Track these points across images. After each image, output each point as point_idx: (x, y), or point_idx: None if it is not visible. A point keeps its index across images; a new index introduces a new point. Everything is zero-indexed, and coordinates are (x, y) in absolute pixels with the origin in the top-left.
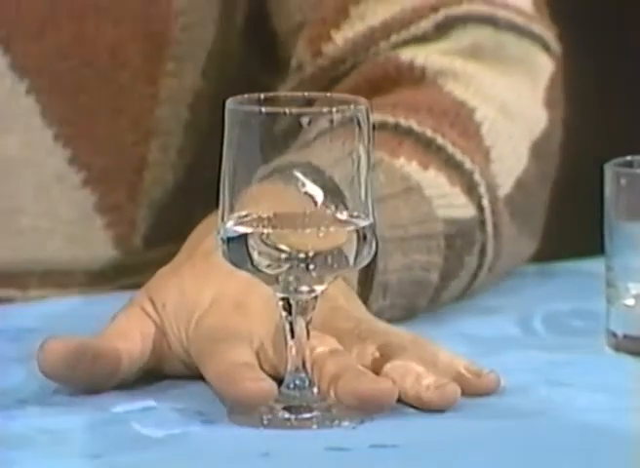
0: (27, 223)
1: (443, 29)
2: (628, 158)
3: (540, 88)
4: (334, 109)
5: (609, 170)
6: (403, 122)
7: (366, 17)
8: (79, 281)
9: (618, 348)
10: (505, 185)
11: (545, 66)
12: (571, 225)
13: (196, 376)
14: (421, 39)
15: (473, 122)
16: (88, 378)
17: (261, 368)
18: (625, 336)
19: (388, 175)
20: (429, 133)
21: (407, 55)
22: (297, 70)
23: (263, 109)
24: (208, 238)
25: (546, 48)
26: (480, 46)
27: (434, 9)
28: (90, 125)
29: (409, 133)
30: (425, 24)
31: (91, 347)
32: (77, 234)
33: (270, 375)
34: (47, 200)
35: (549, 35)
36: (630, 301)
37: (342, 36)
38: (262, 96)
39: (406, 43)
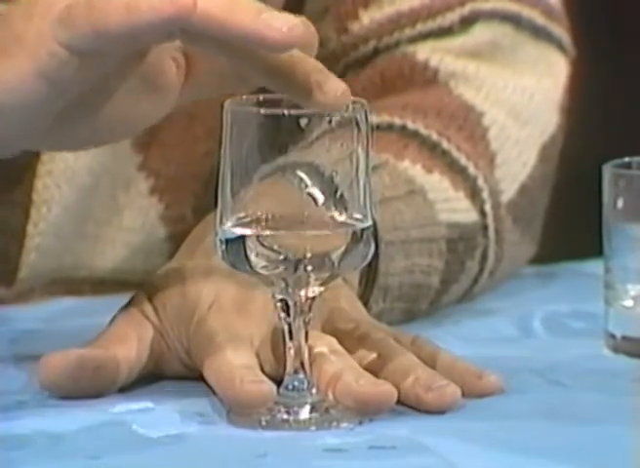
0: (90, 229)
1: (466, 24)
2: (627, 159)
3: (559, 91)
4: None
5: (607, 171)
6: (410, 124)
7: (396, 1)
8: (133, 290)
9: (616, 349)
10: (509, 191)
11: (562, 69)
12: (570, 227)
13: (195, 377)
14: (444, 32)
15: (481, 126)
16: (89, 389)
17: (262, 369)
18: (624, 338)
19: (393, 177)
20: (435, 136)
21: (423, 54)
22: (319, 46)
23: (262, 111)
24: (208, 238)
25: (563, 50)
26: (498, 44)
27: (461, 2)
28: (163, 130)
29: (415, 135)
30: (451, 17)
31: (91, 359)
32: (138, 243)
33: (271, 376)
34: (112, 206)
35: (567, 37)
36: (629, 303)
37: (369, 16)
38: (262, 97)
39: (428, 36)
